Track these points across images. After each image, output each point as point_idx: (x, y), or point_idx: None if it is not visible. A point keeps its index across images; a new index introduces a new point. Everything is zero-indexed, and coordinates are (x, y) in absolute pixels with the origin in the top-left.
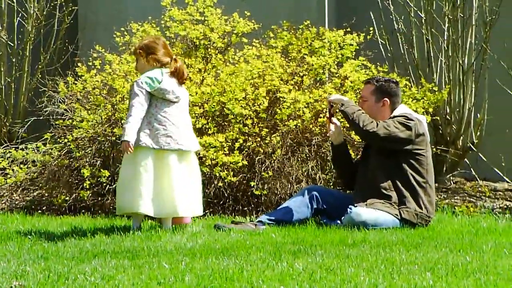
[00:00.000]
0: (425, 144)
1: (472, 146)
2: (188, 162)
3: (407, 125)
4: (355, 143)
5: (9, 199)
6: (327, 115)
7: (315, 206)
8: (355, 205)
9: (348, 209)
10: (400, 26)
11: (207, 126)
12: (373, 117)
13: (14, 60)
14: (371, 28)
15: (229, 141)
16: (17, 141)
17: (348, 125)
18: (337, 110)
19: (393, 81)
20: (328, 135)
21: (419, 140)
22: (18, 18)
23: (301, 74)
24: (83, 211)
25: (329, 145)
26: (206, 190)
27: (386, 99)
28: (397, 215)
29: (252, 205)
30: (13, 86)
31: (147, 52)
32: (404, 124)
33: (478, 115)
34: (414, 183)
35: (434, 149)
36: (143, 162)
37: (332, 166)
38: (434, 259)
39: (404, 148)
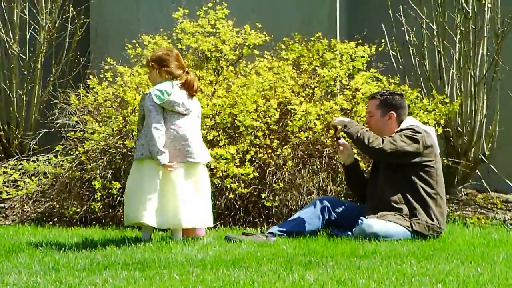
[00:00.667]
0: (434, 156)
1: (483, 158)
2: (197, 174)
3: (414, 138)
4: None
5: (20, 211)
6: (334, 138)
7: (326, 217)
8: (366, 217)
9: (359, 221)
10: (411, 38)
11: (218, 138)
12: (380, 132)
13: (26, 72)
14: (382, 40)
15: (240, 152)
16: (29, 153)
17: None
18: (342, 132)
19: (398, 93)
20: (338, 156)
21: (428, 152)
22: (30, 31)
23: (313, 86)
24: (94, 222)
25: (341, 165)
26: (217, 202)
27: (392, 112)
28: (408, 226)
29: (263, 217)
30: (24, 98)
31: (160, 65)
32: (411, 137)
33: (490, 126)
34: (425, 194)
35: (446, 161)
36: (150, 173)
37: (346, 184)
38: (445, 271)
39: (412, 161)
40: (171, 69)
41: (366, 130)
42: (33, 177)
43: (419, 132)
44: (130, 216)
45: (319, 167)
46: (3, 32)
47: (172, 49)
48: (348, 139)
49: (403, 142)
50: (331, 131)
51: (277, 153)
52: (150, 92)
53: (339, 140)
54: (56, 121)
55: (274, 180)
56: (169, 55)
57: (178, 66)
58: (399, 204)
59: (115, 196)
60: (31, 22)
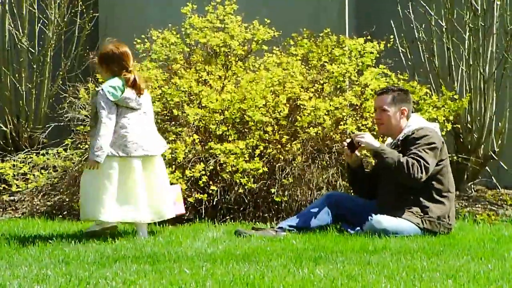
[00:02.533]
0: (444, 154)
1: (493, 155)
2: (153, 166)
3: (435, 151)
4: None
5: (30, 204)
6: (346, 145)
7: (335, 212)
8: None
9: (369, 217)
10: (420, 35)
11: (227, 133)
12: (392, 128)
13: (35, 66)
14: (391, 36)
15: (249, 148)
16: (38, 146)
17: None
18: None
19: (405, 90)
20: (345, 159)
21: (442, 151)
22: (39, 25)
23: (322, 81)
24: None
25: (346, 168)
26: (227, 197)
27: (404, 108)
28: (418, 224)
29: (273, 212)
30: (34, 92)
31: (105, 62)
32: (434, 154)
33: (499, 123)
34: (436, 192)
35: (455, 158)
36: (107, 170)
37: (348, 183)
38: (455, 267)
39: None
40: (114, 68)
41: (401, 156)
42: (42, 171)
43: (434, 142)
44: (87, 212)
45: (328, 162)
46: (12, 26)
47: (120, 46)
48: (376, 161)
49: (431, 159)
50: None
51: (286, 148)
52: (102, 89)
53: (356, 152)
54: (65, 115)
55: (283, 175)
56: (114, 52)
57: (121, 66)
58: (410, 203)
59: None
60: (40, 16)
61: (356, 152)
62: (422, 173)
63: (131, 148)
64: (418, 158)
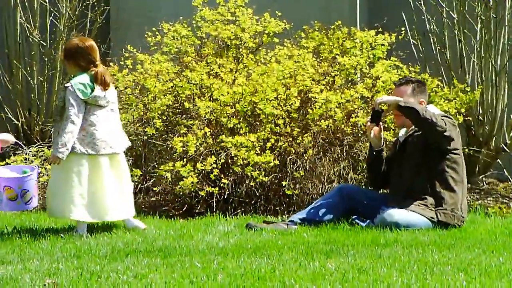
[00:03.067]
0: (459, 144)
1: (505, 147)
2: (118, 163)
3: (454, 124)
4: (387, 143)
5: (41, 198)
6: (369, 120)
7: (347, 205)
8: (389, 206)
9: (380, 210)
10: (432, 27)
11: (238, 126)
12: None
13: (46, 59)
14: (402, 28)
15: (260, 141)
16: (50, 140)
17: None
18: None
19: (423, 82)
20: (370, 140)
21: (457, 139)
22: (51, 18)
23: (333, 74)
24: None
25: (368, 151)
26: (238, 190)
27: (422, 99)
28: (432, 217)
29: (284, 205)
30: (45, 86)
31: (70, 56)
32: (453, 124)
33: (511, 116)
34: (453, 182)
35: (467, 150)
36: (77, 168)
37: (367, 171)
38: (467, 260)
39: (444, 148)
40: (81, 63)
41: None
42: None
43: (450, 117)
44: (56, 211)
45: (339, 155)
46: (24, 19)
47: (85, 40)
48: (407, 117)
49: (452, 126)
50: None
51: (298, 141)
52: (71, 85)
53: (379, 122)
54: None
55: (294, 168)
56: (80, 46)
57: (88, 60)
58: (425, 193)
59: (136, 183)
60: (51, 9)
61: (381, 124)
62: (445, 126)
63: (99, 146)
64: (440, 117)
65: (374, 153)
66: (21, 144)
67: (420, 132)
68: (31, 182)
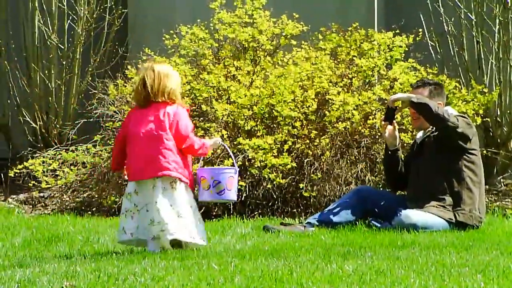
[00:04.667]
0: (476, 144)
1: None
2: None
3: (470, 124)
4: (405, 144)
5: (59, 200)
6: (383, 118)
7: (364, 207)
8: (408, 208)
9: (398, 211)
10: (450, 28)
11: (256, 128)
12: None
13: (64, 62)
14: (420, 30)
15: (278, 143)
16: (67, 143)
17: (424, 117)
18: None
19: (440, 84)
20: (384, 139)
21: (474, 140)
22: (69, 21)
23: (350, 76)
24: None
25: (384, 151)
26: (255, 192)
27: (440, 102)
28: (451, 218)
29: (301, 207)
30: (63, 89)
31: None
32: (467, 123)
33: None
34: (470, 183)
35: (485, 152)
36: None
37: (384, 172)
38: (485, 262)
39: (462, 147)
40: None
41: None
42: (72, 167)
43: (466, 117)
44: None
45: (357, 157)
46: (42, 22)
47: None
48: (420, 113)
49: (461, 123)
50: (384, 106)
51: (315, 143)
52: None
53: (395, 123)
54: (94, 111)
55: (312, 170)
56: None
57: None
58: (443, 194)
59: None
60: (69, 12)
61: (395, 123)
62: (457, 122)
63: None
64: (454, 116)
65: (390, 152)
66: None
67: (436, 132)
68: (225, 175)
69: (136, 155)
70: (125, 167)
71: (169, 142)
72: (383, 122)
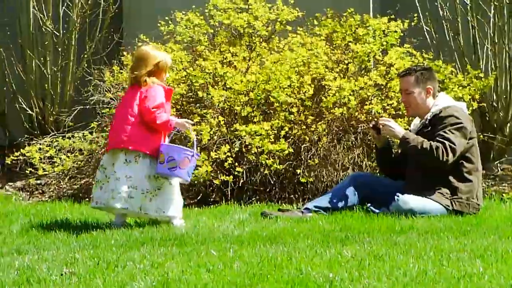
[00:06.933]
0: (473, 132)
1: None
2: None
3: (464, 133)
4: None
5: (56, 187)
6: (372, 127)
7: (361, 193)
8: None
9: (395, 197)
10: (445, 13)
11: (252, 114)
12: (419, 108)
13: (60, 49)
14: (415, 15)
15: (274, 129)
16: (64, 130)
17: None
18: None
19: (428, 67)
20: (372, 139)
21: (471, 130)
22: (64, 8)
23: (346, 61)
24: None
25: (374, 146)
26: (252, 178)
27: (429, 86)
28: (447, 205)
29: (299, 193)
30: (59, 75)
31: None
32: (462, 133)
33: None
34: (466, 171)
35: (481, 136)
36: None
37: (377, 165)
38: (483, 246)
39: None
40: None
41: (424, 141)
42: (68, 154)
43: (462, 123)
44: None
45: (354, 143)
46: (37, 9)
47: None
48: (405, 152)
49: (459, 141)
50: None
51: (312, 129)
52: None
53: (380, 134)
54: (90, 98)
55: (309, 156)
56: None
57: None
58: (441, 184)
59: None
60: None
61: (381, 134)
62: (448, 155)
63: None
64: (443, 140)
65: (379, 151)
66: None
67: (431, 130)
68: (180, 155)
69: (110, 130)
70: None
71: (131, 118)
72: (371, 129)
